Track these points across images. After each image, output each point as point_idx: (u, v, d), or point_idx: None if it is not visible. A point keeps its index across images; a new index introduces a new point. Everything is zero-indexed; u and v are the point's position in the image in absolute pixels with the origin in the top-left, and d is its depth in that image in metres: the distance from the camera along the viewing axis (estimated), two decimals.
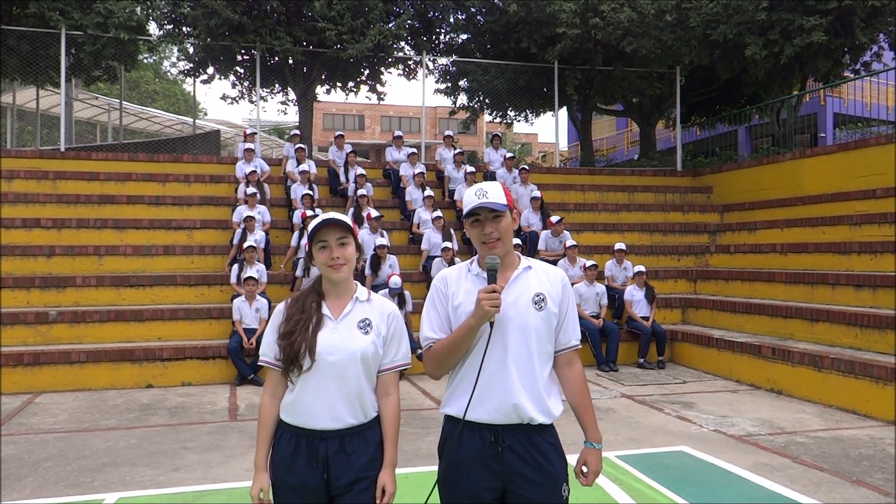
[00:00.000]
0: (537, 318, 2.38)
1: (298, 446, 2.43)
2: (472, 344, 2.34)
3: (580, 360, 2.56)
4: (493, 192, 2.37)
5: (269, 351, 2.51)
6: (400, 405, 2.58)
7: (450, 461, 2.39)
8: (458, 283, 2.45)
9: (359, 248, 2.55)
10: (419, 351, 2.58)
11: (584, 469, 2.50)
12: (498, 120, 20.96)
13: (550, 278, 2.47)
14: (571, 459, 2.47)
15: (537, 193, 12.17)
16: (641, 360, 9.86)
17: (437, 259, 10.29)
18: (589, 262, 10.03)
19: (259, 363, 2.56)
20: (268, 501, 2.43)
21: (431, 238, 10.98)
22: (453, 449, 2.37)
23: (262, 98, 17.36)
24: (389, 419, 2.52)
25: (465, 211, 2.39)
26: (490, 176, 13.38)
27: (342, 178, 13.13)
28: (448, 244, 10.27)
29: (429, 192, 12.09)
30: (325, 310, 2.49)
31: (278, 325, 2.49)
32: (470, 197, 2.39)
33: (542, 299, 2.40)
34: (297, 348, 2.40)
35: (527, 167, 13.57)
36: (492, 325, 2.28)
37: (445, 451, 2.42)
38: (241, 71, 17.31)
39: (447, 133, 14.56)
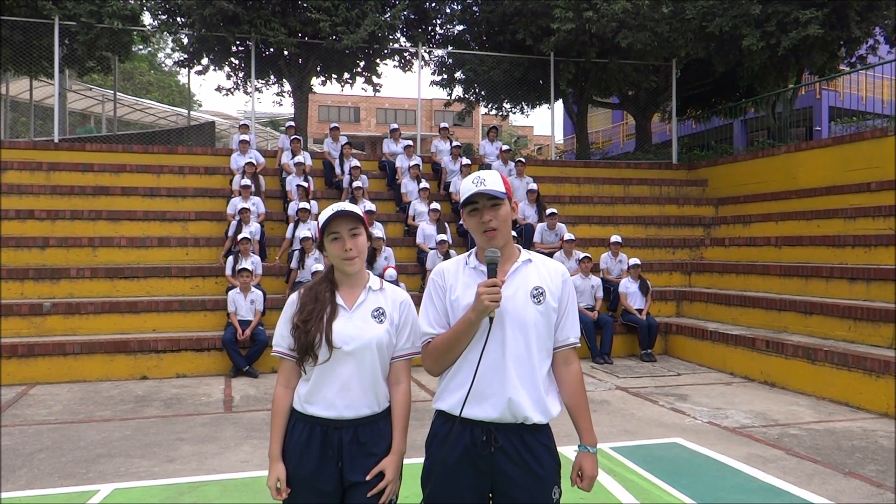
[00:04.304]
0: (535, 313, 2.31)
1: (312, 436, 2.41)
2: (471, 339, 2.28)
3: (578, 358, 2.48)
4: (490, 180, 2.31)
5: (282, 341, 2.49)
6: (410, 394, 2.55)
7: (436, 458, 2.33)
8: (455, 277, 2.39)
9: (370, 237, 2.53)
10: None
11: (580, 474, 2.43)
12: (494, 112, 20.92)
13: (550, 272, 2.40)
14: (564, 451, 2.44)
15: (533, 186, 12.17)
16: (646, 352, 9.86)
17: (431, 252, 10.28)
18: (582, 255, 10.05)
19: (272, 353, 2.54)
20: (285, 490, 2.42)
21: (425, 231, 10.98)
22: (442, 446, 2.31)
23: (257, 89, 17.29)
24: (399, 407, 2.50)
25: (462, 199, 2.33)
26: (486, 168, 13.35)
27: (337, 170, 13.11)
28: (443, 237, 10.27)
29: (424, 184, 12.07)
30: (338, 299, 2.47)
31: (292, 316, 2.47)
32: (467, 185, 2.32)
33: (541, 293, 2.33)
34: (312, 338, 2.39)
35: (523, 160, 13.55)
36: (491, 320, 2.22)
37: (433, 448, 2.37)
38: (236, 62, 17.23)
39: (443, 125, 14.54)
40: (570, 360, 2.44)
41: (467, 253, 2.47)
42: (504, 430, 2.29)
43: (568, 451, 2.69)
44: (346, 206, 2.45)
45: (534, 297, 2.32)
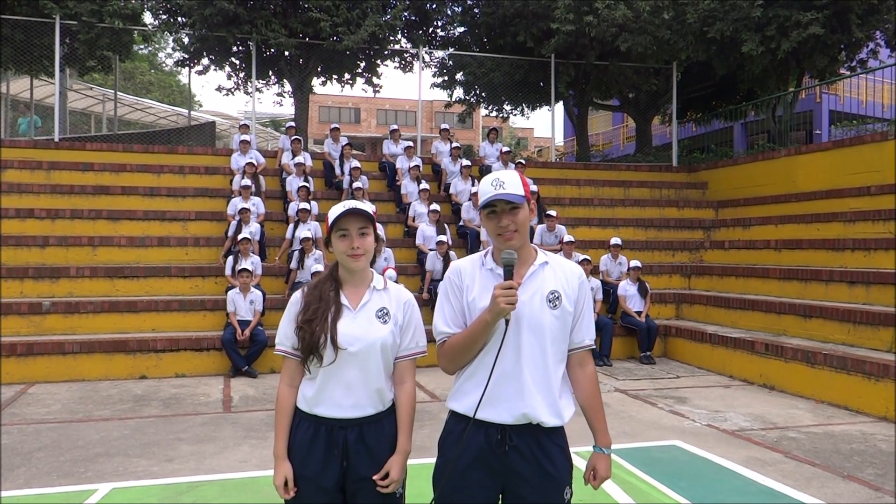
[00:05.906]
0: (551, 317, 2.30)
1: (317, 435, 2.41)
2: (487, 340, 2.27)
3: (593, 360, 2.47)
4: (510, 183, 2.27)
5: (285, 340, 2.48)
6: (415, 393, 2.54)
7: (449, 457, 2.33)
8: (472, 277, 2.37)
9: (378, 239, 2.53)
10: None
11: (594, 475, 2.45)
12: (494, 114, 20.94)
13: (567, 275, 2.38)
14: (575, 457, 2.43)
15: (533, 188, 12.17)
16: (645, 354, 9.85)
17: (431, 253, 10.27)
18: (582, 257, 10.05)
19: (276, 352, 2.54)
20: (292, 489, 2.41)
21: (425, 232, 10.97)
22: (456, 446, 2.31)
23: (257, 90, 17.29)
24: (404, 407, 2.49)
25: (480, 202, 2.30)
26: (486, 170, 13.36)
27: (337, 171, 13.11)
28: (442, 238, 10.26)
29: (424, 185, 12.07)
30: (343, 299, 2.47)
31: (296, 314, 2.46)
32: (486, 187, 2.28)
33: (557, 297, 2.32)
34: (317, 338, 2.38)
35: (523, 161, 13.57)
36: (507, 322, 2.21)
37: (446, 447, 2.37)
38: (237, 62, 17.25)
39: (443, 126, 14.55)
40: (585, 362, 2.45)
41: (482, 252, 2.44)
42: (519, 431, 2.29)
43: (576, 458, 2.68)
44: (358, 204, 2.44)
45: (550, 301, 2.31)
